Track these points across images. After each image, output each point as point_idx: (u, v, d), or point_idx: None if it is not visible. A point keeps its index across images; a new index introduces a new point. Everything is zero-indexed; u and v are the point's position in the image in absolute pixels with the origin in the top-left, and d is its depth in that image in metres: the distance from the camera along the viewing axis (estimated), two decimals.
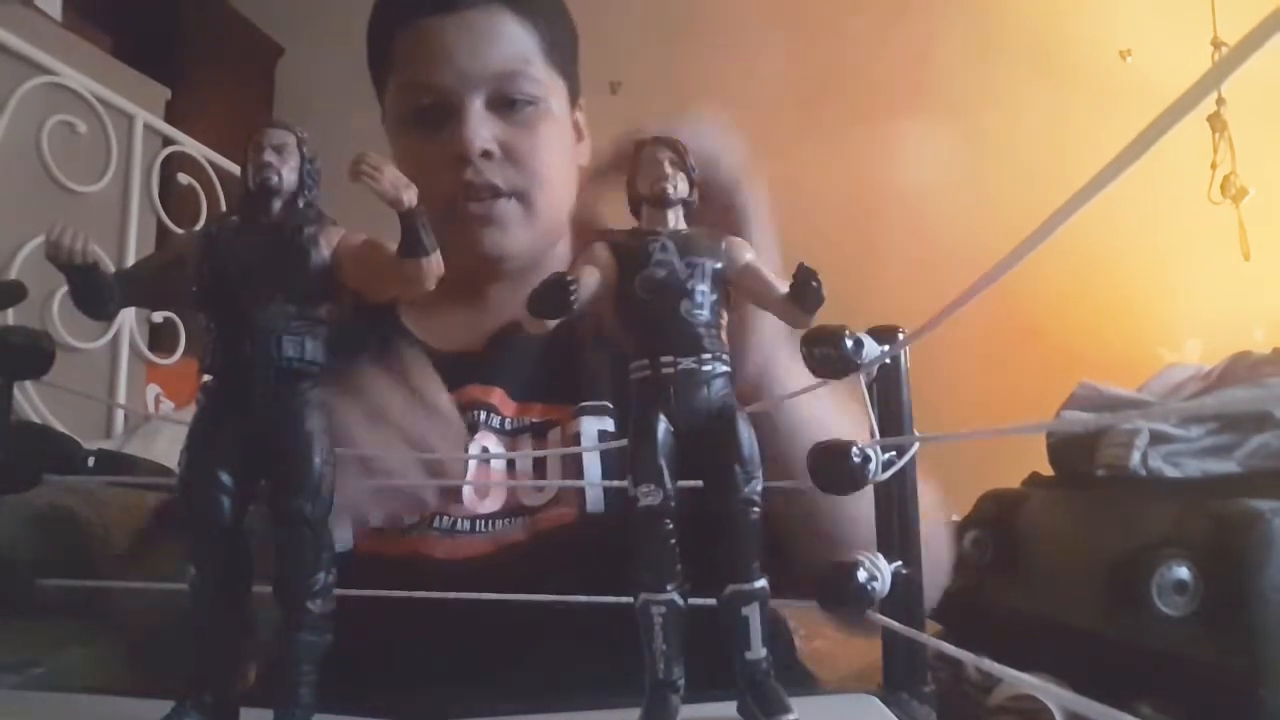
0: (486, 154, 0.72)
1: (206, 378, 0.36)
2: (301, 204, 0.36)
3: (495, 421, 0.72)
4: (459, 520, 0.68)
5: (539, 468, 0.72)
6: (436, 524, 0.67)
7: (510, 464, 0.72)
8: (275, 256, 0.35)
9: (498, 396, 0.73)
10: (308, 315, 0.36)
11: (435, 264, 0.34)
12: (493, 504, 0.70)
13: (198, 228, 0.38)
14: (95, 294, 0.35)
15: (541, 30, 0.75)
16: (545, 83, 0.75)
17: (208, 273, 0.35)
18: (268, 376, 0.35)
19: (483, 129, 0.72)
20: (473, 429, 0.71)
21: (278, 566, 0.35)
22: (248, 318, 0.35)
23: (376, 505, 0.62)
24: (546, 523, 0.68)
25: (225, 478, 0.35)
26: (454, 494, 0.69)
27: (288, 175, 0.36)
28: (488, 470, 0.71)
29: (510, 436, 0.72)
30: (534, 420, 0.73)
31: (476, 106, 0.72)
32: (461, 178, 0.72)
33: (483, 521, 0.68)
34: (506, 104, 0.73)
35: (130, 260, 1.73)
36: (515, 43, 0.74)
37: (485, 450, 0.71)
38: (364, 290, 0.36)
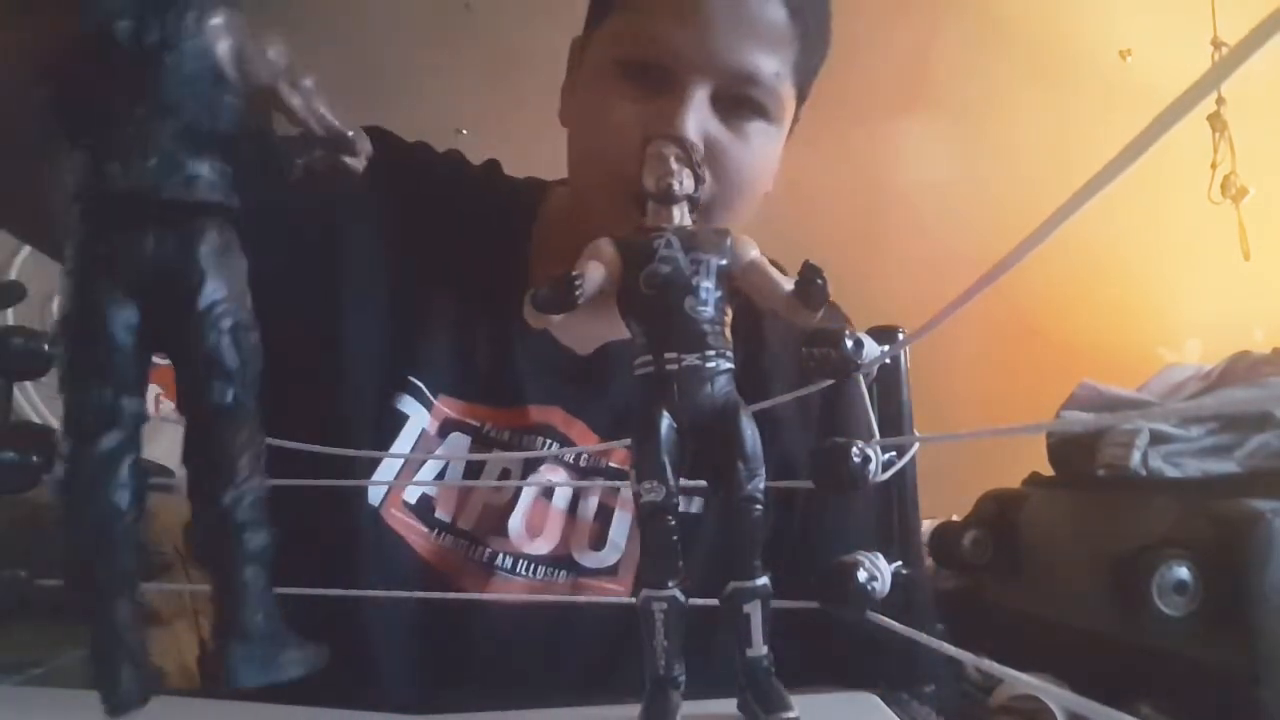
0: None
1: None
2: None
3: (568, 456, 0.67)
4: (501, 555, 0.63)
5: (603, 517, 0.66)
6: (475, 555, 0.64)
7: (573, 506, 0.66)
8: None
9: (577, 430, 0.67)
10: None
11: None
12: (544, 545, 0.64)
13: None
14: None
15: (806, 40, 0.65)
16: (783, 99, 0.66)
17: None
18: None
19: (697, 123, 0.62)
20: (534, 460, 0.66)
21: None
22: None
23: None
24: (594, 589, 0.63)
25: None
26: (500, 527, 0.64)
27: None
28: (545, 507, 0.66)
29: (581, 475, 0.67)
30: (611, 465, 0.67)
31: (700, 96, 0.62)
32: None
33: (526, 563, 0.64)
34: (732, 103, 0.64)
35: None
36: (776, 45, 0.64)
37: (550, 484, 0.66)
38: None
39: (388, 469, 0.65)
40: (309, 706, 0.39)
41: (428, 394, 0.66)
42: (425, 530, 0.64)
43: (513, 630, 0.62)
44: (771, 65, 0.63)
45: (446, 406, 0.67)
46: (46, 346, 0.41)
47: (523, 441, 0.66)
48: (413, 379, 0.66)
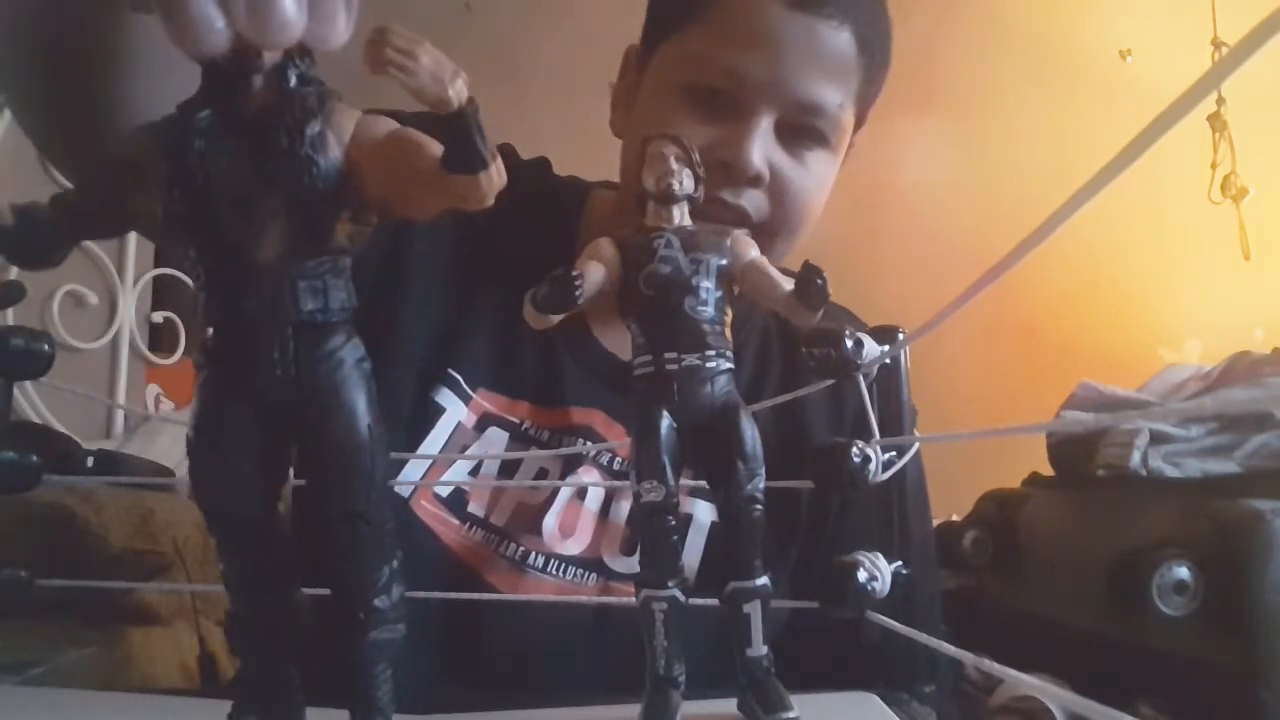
0: (756, 180, 0.64)
1: (208, 334, 0.28)
2: (294, 78, 0.26)
3: (604, 458, 0.67)
4: (534, 554, 0.64)
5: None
6: (507, 551, 0.64)
7: (605, 508, 0.67)
8: (269, 167, 0.26)
9: (617, 434, 0.67)
10: (324, 246, 0.27)
11: (495, 177, 0.26)
12: (575, 546, 0.64)
13: (157, 120, 0.27)
14: (32, 235, 0.26)
15: (870, 71, 0.66)
16: (844, 127, 0.67)
17: (178, 194, 0.26)
18: (285, 337, 0.26)
19: (762, 152, 0.63)
20: (571, 462, 0.66)
21: (334, 569, 0.29)
22: (244, 258, 0.26)
23: None
24: (621, 593, 0.62)
25: (247, 467, 0.28)
26: (534, 525, 0.64)
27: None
28: (578, 508, 0.66)
29: (614, 480, 0.67)
30: None
31: (766, 125, 0.63)
32: (715, 190, 0.62)
33: (557, 563, 0.64)
34: (795, 131, 0.65)
35: (132, 263, 1.72)
36: (842, 76, 0.64)
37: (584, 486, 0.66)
38: (394, 203, 0.28)
39: (421, 462, 0.65)
40: (312, 707, 0.39)
41: (466, 387, 0.67)
42: (456, 523, 0.64)
43: (536, 630, 0.62)
44: (836, 97, 0.64)
45: (486, 401, 0.67)
46: (46, 346, 0.41)
47: (562, 441, 0.67)
48: (452, 371, 0.66)
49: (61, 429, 1.50)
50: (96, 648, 1.03)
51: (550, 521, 0.64)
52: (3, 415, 0.43)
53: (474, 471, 0.65)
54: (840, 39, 0.63)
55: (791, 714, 0.33)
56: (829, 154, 0.68)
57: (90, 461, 1.25)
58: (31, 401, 1.57)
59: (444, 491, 0.65)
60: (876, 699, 0.42)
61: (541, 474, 0.67)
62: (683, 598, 0.34)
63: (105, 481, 1.18)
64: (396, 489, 0.63)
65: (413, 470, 0.64)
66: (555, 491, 0.66)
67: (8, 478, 0.40)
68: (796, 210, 0.67)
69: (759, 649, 0.34)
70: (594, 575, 0.64)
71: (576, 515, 0.66)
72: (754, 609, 0.34)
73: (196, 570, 1.14)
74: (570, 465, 0.67)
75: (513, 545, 0.64)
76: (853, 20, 0.63)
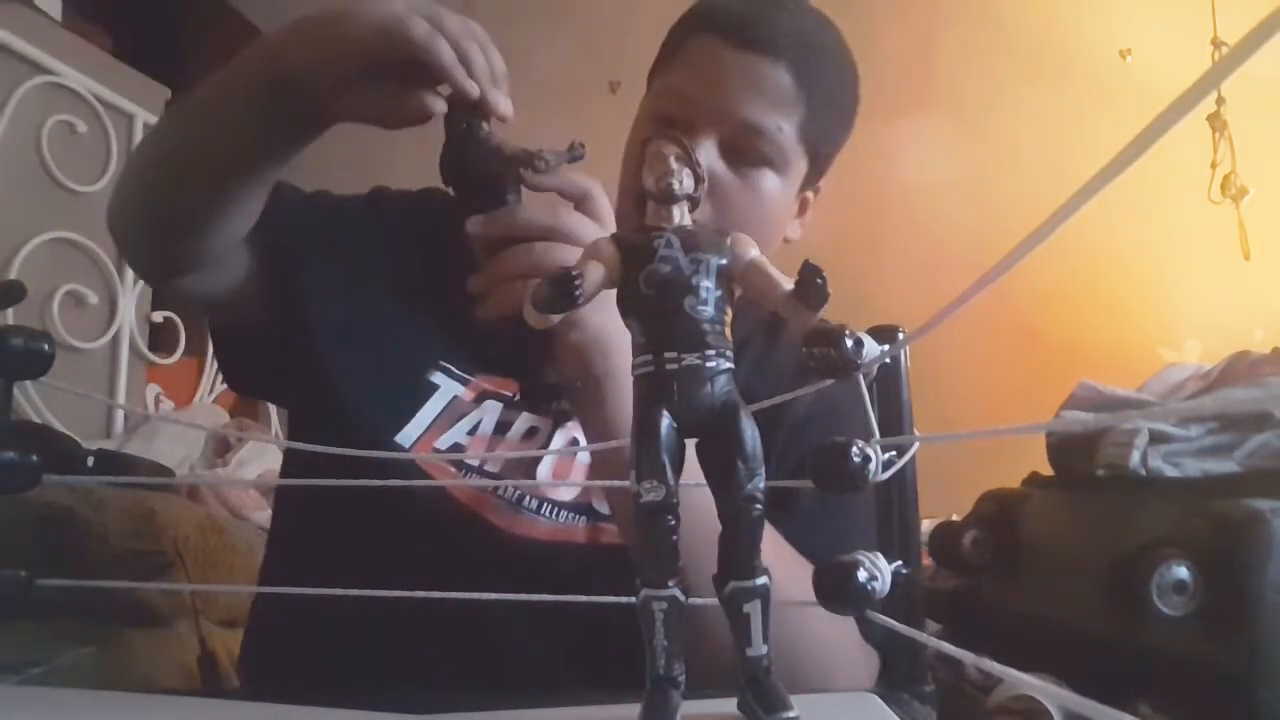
0: None
1: None
2: None
3: None
4: (527, 496, 0.70)
5: None
6: (503, 493, 0.70)
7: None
8: None
9: None
10: None
11: None
12: (567, 493, 0.71)
13: None
14: None
15: (813, 104, 0.75)
16: (788, 153, 0.75)
17: None
18: None
19: (702, 161, 0.69)
20: (562, 420, 0.72)
21: None
22: None
23: None
24: (609, 537, 0.69)
25: None
26: (528, 473, 0.72)
27: None
28: (571, 459, 0.72)
29: None
30: None
31: (708, 143, 0.73)
32: None
33: (549, 507, 0.70)
34: (740, 152, 0.74)
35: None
36: (781, 105, 0.73)
37: (575, 441, 0.72)
38: None
39: (419, 423, 0.72)
40: (309, 706, 0.39)
41: (462, 374, 0.75)
42: (454, 472, 0.71)
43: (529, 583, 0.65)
44: (774, 121, 0.73)
45: (485, 382, 0.75)
46: (46, 346, 0.41)
47: (553, 405, 0.72)
48: (444, 363, 0.75)
49: (61, 429, 1.50)
50: (96, 648, 1.03)
51: (544, 470, 0.71)
52: (3, 415, 0.43)
53: (471, 432, 0.72)
54: (777, 72, 0.72)
55: (791, 714, 0.33)
56: (775, 176, 0.75)
57: (90, 461, 1.25)
58: (31, 401, 1.57)
59: (443, 446, 0.71)
60: (876, 699, 0.42)
61: (531, 431, 0.74)
62: (683, 597, 0.34)
63: (105, 481, 1.18)
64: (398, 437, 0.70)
65: (415, 431, 0.71)
66: (549, 445, 0.73)
67: (8, 478, 0.40)
68: (734, 221, 0.71)
69: (759, 649, 0.34)
70: (584, 519, 0.70)
71: (569, 465, 0.72)
72: (754, 609, 0.34)
73: (196, 570, 1.14)
74: (560, 425, 0.73)
75: (509, 489, 0.70)
76: (789, 59, 0.72)
